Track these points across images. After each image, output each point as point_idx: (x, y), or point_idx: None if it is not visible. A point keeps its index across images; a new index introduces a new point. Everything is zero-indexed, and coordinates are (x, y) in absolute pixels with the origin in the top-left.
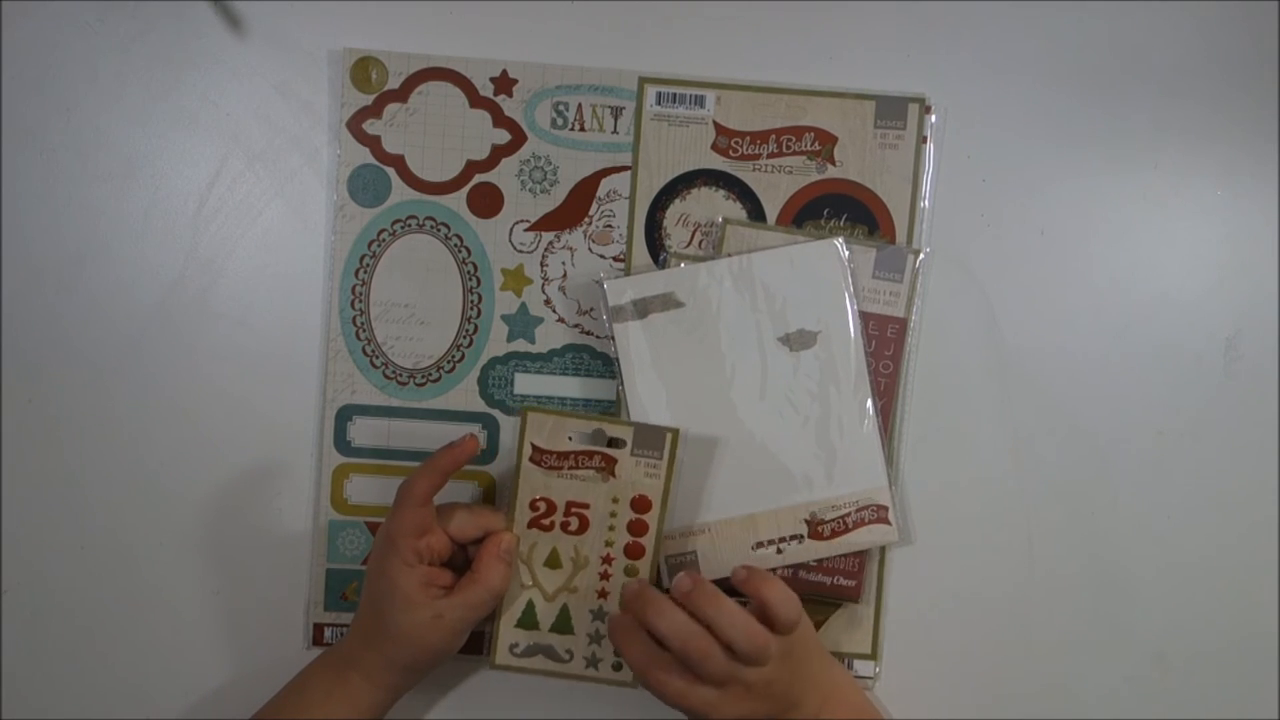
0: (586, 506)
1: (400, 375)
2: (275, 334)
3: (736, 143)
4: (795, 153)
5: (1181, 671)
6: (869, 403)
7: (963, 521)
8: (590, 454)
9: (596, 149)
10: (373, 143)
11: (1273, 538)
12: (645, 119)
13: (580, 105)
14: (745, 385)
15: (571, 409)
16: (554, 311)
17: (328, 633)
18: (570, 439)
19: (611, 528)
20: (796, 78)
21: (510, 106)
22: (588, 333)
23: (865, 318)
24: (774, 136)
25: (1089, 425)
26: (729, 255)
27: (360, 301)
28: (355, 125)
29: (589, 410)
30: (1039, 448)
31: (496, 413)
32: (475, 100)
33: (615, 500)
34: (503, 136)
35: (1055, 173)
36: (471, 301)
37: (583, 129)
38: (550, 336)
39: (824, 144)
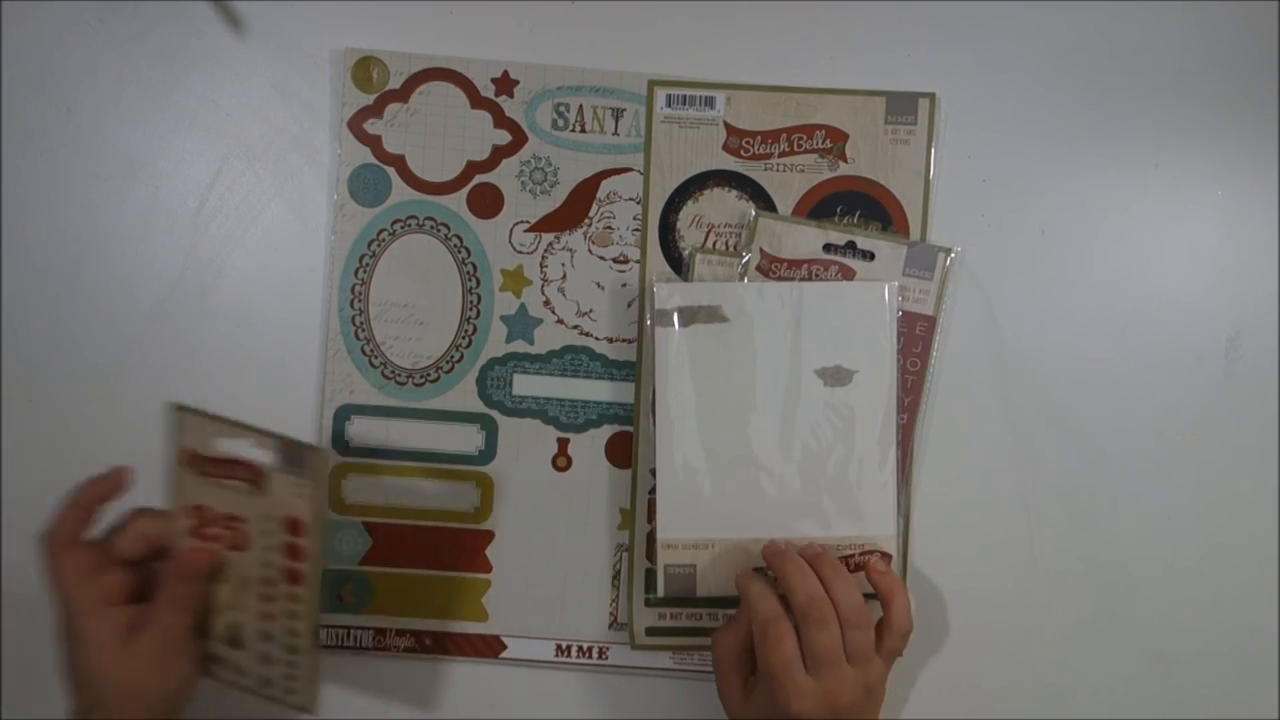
0: (243, 520)
1: (399, 375)
2: (275, 334)
3: (748, 143)
4: (807, 151)
5: (1181, 671)
6: (891, 451)
7: (963, 521)
8: (237, 463)
9: (597, 150)
10: (373, 142)
11: (1273, 538)
12: (656, 122)
13: (581, 106)
14: (774, 410)
15: (559, 408)
16: (553, 313)
17: (323, 634)
18: (223, 444)
19: (268, 548)
20: (797, 79)
21: (511, 107)
22: (586, 334)
23: None
24: (785, 135)
25: (1089, 425)
26: (779, 281)
27: (360, 301)
28: (356, 125)
29: (592, 411)
30: (1039, 448)
31: (495, 413)
32: (476, 101)
33: (269, 518)
34: (503, 137)
35: (1056, 173)
36: (471, 302)
37: (583, 130)
38: (549, 338)
39: (835, 141)
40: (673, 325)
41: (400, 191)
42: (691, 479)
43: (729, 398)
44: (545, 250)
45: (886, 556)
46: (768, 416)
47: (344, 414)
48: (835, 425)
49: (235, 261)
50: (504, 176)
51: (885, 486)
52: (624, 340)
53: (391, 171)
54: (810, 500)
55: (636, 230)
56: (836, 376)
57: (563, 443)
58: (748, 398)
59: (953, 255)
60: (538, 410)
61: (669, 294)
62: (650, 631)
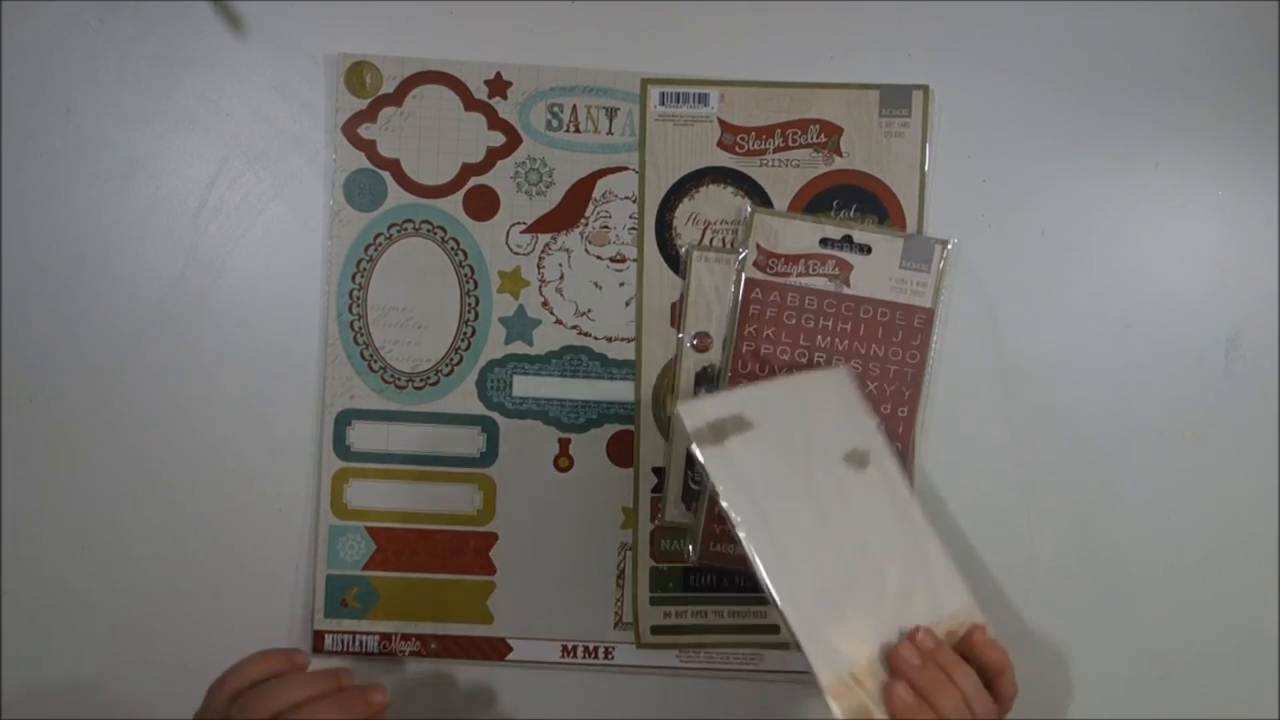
0: None
1: (399, 379)
2: (275, 335)
3: (742, 139)
4: (801, 146)
5: (1181, 671)
6: (921, 519)
7: (963, 521)
8: None
9: (592, 150)
10: (368, 147)
11: (1273, 538)
12: (650, 120)
13: (575, 106)
14: (824, 501)
15: (559, 409)
16: (551, 313)
17: (329, 640)
18: None
19: None
20: (791, 75)
21: (505, 109)
22: (585, 334)
23: (893, 308)
24: (779, 131)
25: (1090, 425)
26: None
27: (358, 306)
28: (350, 130)
29: (592, 411)
30: (1039, 448)
31: (495, 415)
32: (470, 103)
33: None
34: (498, 139)
35: (1056, 173)
36: (469, 304)
37: (578, 130)
38: (548, 338)
39: (830, 135)
40: (718, 444)
41: (396, 195)
42: (817, 605)
43: (784, 499)
44: (542, 251)
45: (981, 628)
46: (822, 508)
47: (345, 419)
48: (878, 505)
49: (235, 261)
50: (499, 178)
51: (938, 555)
52: (623, 339)
53: (387, 175)
54: (884, 584)
55: (633, 229)
56: (858, 459)
57: (564, 443)
58: (800, 495)
59: (949, 247)
60: (538, 411)
61: (698, 413)
62: (656, 630)
